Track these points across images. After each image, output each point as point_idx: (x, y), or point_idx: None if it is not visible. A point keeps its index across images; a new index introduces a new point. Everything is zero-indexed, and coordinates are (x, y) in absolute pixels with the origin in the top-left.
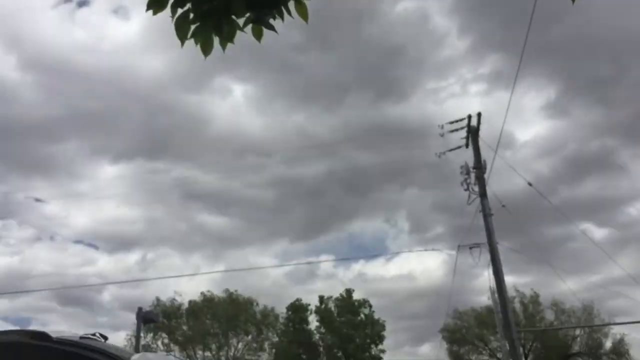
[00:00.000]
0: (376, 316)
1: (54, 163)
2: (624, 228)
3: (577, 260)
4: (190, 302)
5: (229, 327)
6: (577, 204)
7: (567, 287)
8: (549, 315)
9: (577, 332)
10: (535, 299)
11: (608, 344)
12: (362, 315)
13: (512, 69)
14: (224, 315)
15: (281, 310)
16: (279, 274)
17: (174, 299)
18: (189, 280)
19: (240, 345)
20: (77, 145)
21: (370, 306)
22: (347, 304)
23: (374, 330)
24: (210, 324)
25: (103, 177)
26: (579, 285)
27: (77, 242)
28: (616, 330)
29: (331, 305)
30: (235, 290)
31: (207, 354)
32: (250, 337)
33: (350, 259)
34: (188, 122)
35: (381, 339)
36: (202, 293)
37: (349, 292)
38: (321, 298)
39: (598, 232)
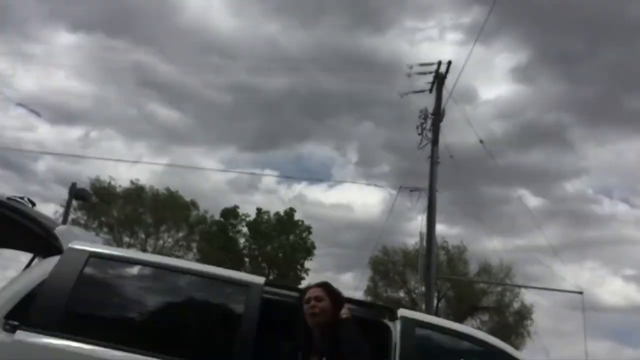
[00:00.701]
0: (309, 239)
1: (6, 18)
2: (557, 202)
3: (507, 223)
4: (129, 187)
5: (162, 221)
6: (520, 170)
7: (492, 245)
8: (471, 269)
9: (491, 288)
10: (461, 251)
11: (516, 305)
12: (296, 236)
13: (493, 25)
14: (160, 208)
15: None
16: (221, 180)
17: (109, 182)
18: (129, 167)
19: (169, 240)
20: (35, 5)
21: (310, 231)
22: (285, 222)
23: (304, 252)
24: (144, 213)
25: (58, 44)
26: (504, 246)
27: (20, 105)
28: (528, 296)
29: (269, 219)
30: (177, 191)
31: (133, 241)
32: (181, 234)
33: (294, 178)
34: (157, 5)
35: (310, 254)
36: (131, 181)
37: (291, 210)
38: (259, 210)
39: (533, 200)
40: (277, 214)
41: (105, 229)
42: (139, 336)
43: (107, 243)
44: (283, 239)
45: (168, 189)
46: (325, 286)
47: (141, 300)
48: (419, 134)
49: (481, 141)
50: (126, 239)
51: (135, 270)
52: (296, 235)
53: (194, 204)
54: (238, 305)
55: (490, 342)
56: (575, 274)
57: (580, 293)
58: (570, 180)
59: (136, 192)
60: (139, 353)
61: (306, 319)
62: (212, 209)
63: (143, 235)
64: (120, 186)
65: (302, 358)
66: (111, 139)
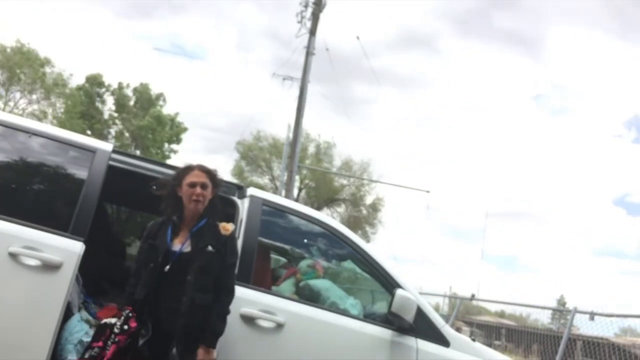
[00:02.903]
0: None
1: None
2: (421, 107)
3: (371, 121)
4: None
5: (11, 80)
6: (390, 72)
7: (355, 142)
8: (335, 164)
9: (350, 182)
10: (329, 146)
11: (369, 199)
12: (161, 111)
13: None
14: (7, 64)
15: (77, 78)
16: (85, 42)
17: None
18: None
19: (22, 102)
20: None
21: (164, 102)
22: (145, 96)
23: (173, 131)
24: None
25: None
26: (368, 143)
27: None
28: (381, 192)
29: (129, 92)
30: (29, 43)
31: None
32: (35, 96)
33: (169, 52)
34: None
35: (179, 140)
36: None
37: (145, 85)
38: (120, 85)
39: (400, 102)
40: (135, 89)
41: None
42: None
43: None
44: (145, 115)
45: (19, 41)
46: (210, 173)
47: None
48: (298, 22)
49: (357, 37)
50: None
51: None
52: (158, 109)
53: (48, 61)
54: (82, 170)
55: (334, 226)
56: (427, 177)
57: (428, 192)
58: (433, 86)
59: None
60: None
61: (184, 200)
62: (72, 69)
63: None
64: None
65: (172, 232)
66: None
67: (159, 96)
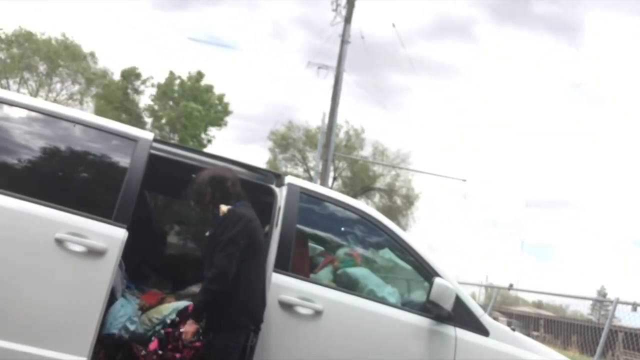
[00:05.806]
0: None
1: None
2: (456, 94)
3: (406, 110)
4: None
5: (55, 70)
6: (426, 60)
7: (390, 131)
8: (367, 151)
9: (386, 171)
10: (360, 133)
11: (405, 190)
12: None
13: None
14: (53, 57)
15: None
16: (123, 33)
17: None
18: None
19: (64, 92)
20: None
21: (222, 100)
22: (193, 87)
23: (215, 116)
24: (36, 61)
25: None
26: (404, 133)
27: None
28: (418, 183)
29: (182, 82)
30: (72, 40)
31: (24, 90)
32: (76, 87)
33: (204, 42)
34: None
35: (224, 121)
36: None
37: (199, 75)
38: (172, 74)
39: (435, 90)
40: (183, 80)
41: None
42: (21, 181)
43: None
44: (191, 105)
45: (64, 35)
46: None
47: (25, 146)
48: (333, 10)
49: (393, 25)
50: (14, 86)
51: (19, 114)
52: (209, 103)
53: (92, 56)
54: (124, 158)
55: (372, 214)
56: (463, 166)
57: (464, 180)
58: (472, 75)
59: (25, 37)
60: (21, 198)
61: None
62: (108, 60)
63: (34, 84)
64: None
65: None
66: None
67: (210, 87)
